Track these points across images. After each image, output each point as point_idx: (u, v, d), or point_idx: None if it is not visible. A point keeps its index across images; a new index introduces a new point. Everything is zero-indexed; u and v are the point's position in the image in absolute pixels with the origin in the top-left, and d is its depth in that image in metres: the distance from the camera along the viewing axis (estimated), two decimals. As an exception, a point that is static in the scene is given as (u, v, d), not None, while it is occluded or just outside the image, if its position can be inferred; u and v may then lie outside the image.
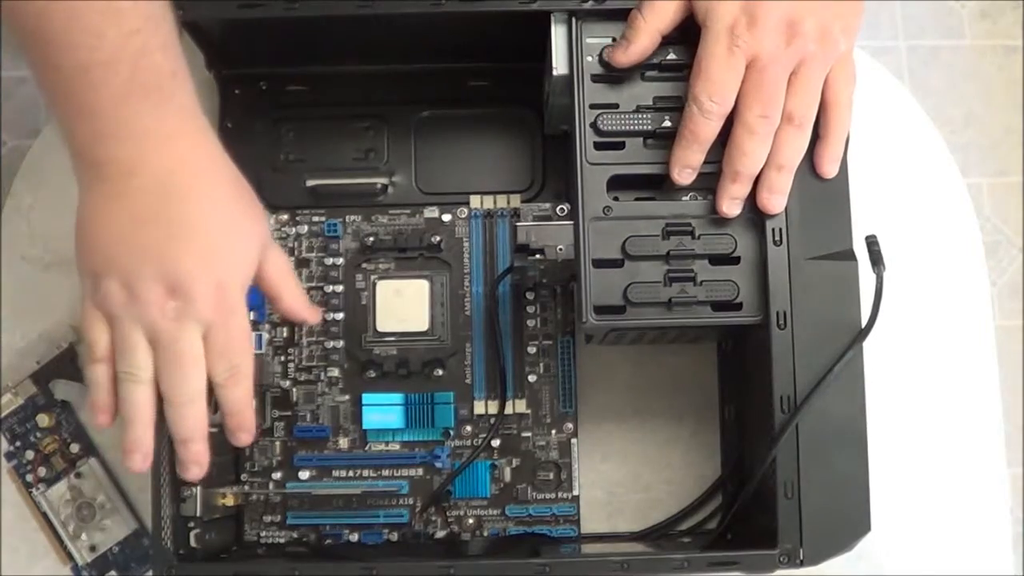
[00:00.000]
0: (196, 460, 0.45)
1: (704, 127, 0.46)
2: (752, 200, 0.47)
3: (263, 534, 0.55)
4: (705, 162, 0.47)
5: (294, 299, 0.48)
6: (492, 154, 0.57)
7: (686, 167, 0.47)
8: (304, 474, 0.55)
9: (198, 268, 0.42)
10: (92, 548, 0.56)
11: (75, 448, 0.57)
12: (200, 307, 0.43)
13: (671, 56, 0.48)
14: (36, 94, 1.23)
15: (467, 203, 0.57)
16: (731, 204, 0.47)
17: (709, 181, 0.47)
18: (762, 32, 0.45)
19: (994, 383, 0.59)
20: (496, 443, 0.55)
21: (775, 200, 0.47)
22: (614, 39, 0.48)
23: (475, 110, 0.57)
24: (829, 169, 0.48)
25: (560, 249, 0.49)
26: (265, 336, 0.56)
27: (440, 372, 0.55)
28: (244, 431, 0.47)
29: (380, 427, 0.55)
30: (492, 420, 0.55)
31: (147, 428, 0.44)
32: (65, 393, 0.57)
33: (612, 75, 0.48)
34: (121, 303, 0.43)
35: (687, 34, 0.47)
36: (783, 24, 0.45)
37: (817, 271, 0.47)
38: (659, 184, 0.48)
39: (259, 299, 0.56)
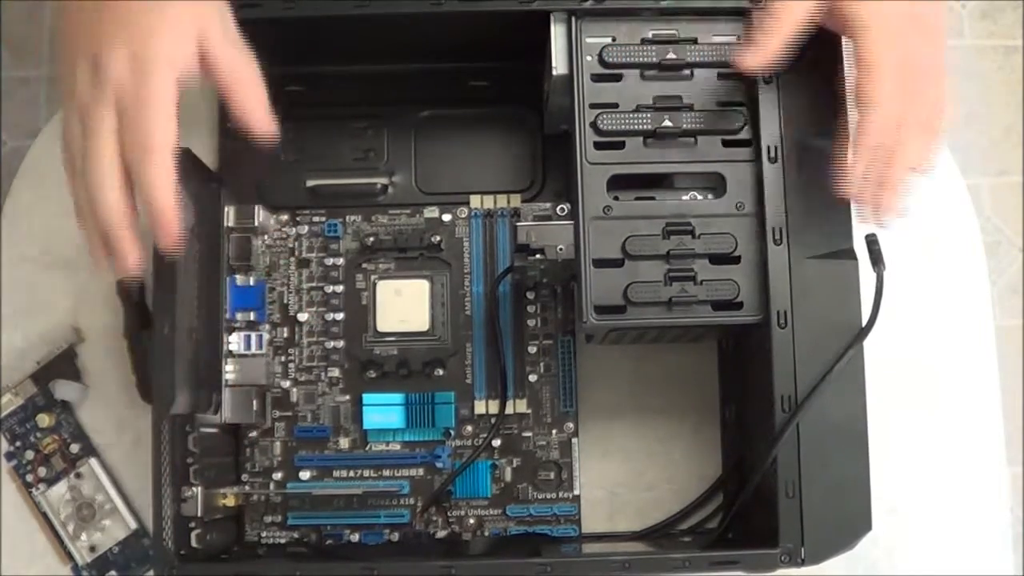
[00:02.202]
0: (121, 250, 0.43)
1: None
2: (752, 200, 0.47)
3: (264, 534, 0.55)
4: (700, 161, 0.47)
5: (246, 95, 0.44)
6: (492, 154, 0.57)
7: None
8: (305, 474, 0.55)
9: (110, 39, 0.42)
10: (92, 548, 0.56)
11: (75, 448, 0.57)
12: (111, 76, 0.42)
13: (671, 56, 0.48)
14: (36, 94, 1.24)
15: (467, 203, 0.57)
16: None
17: (710, 181, 0.47)
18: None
19: (994, 383, 0.59)
20: (497, 443, 0.55)
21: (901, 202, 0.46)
22: (613, 38, 0.48)
23: (475, 110, 0.57)
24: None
25: (560, 249, 0.49)
26: (265, 336, 0.56)
27: (440, 372, 0.55)
28: (162, 230, 0.42)
29: (381, 427, 0.55)
30: (493, 420, 0.55)
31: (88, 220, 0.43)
32: (65, 393, 0.57)
33: (612, 75, 0.48)
34: (67, 92, 0.43)
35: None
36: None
37: (818, 270, 0.48)
38: (659, 183, 0.48)
39: (259, 299, 0.56)
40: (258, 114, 0.45)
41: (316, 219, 0.57)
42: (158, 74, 0.42)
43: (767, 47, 0.45)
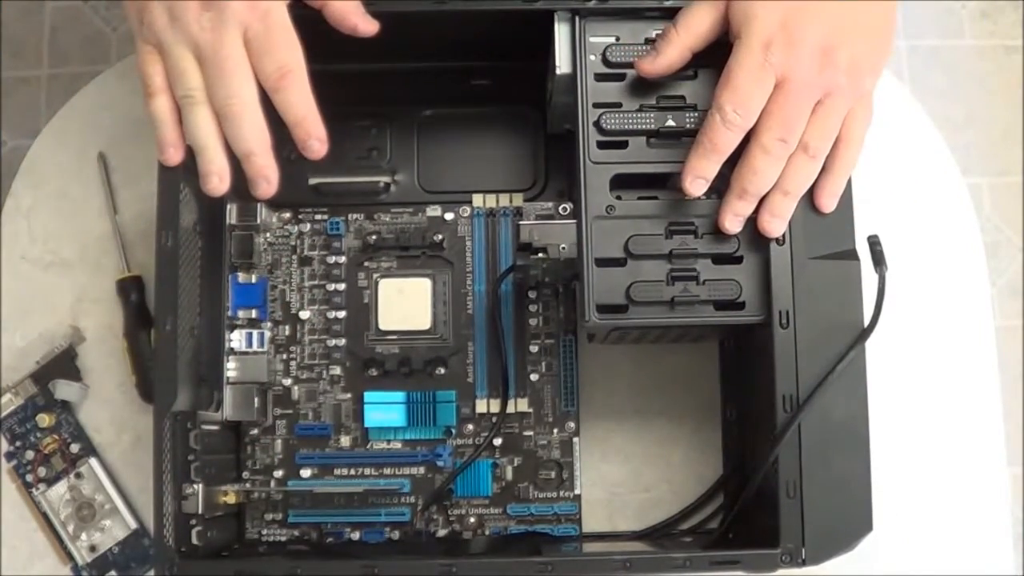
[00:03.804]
0: (263, 174, 0.47)
1: (724, 138, 0.45)
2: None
3: (264, 532, 0.55)
4: None
5: (341, 3, 0.47)
6: (495, 153, 0.57)
7: (699, 177, 0.46)
8: (306, 472, 0.55)
9: None
10: (92, 548, 0.56)
11: (75, 448, 0.57)
12: (233, 9, 0.44)
13: (674, 55, 0.48)
14: (36, 94, 1.24)
15: (469, 202, 0.57)
16: (734, 221, 0.47)
17: (714, 181, 0.47)
18: (797, 54, 0.44)
19: (994, 383, 0.59)
20: (498, 442, 0.55)
21: (775, 224, 0.47)
22: (617, 38, 0.48)
23: (478, 109, 0.57)
24: (827, 203, 0.48)
25: (563, 248, 0.50)
26: (267, 334, 0.55)
27: (442, 371, 0.55)
28: (313, 138, 0.47)
29: (382, 425, 0.55)
30: (494, 419, 0.55)
31: (216, 150, 0.46)
32: (65, 393, 0.57)
33: (615, 74, 0.48)
34: (165, 26, 0.45)
35: (702, 58, 0.47)
36: (818, 50, 0.45)
37: (820, 271, 0.48)
38: (662, 183, 0.48)
39: (260, 297, 0.56)
40: (358, 14, 0.47)
41: (318, 217, 0.57)
42: (273, 3, 0.45)
43: (666, 55, 0.46)
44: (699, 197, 0.47)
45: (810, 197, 0.48)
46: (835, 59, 0.45)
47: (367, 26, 0.47)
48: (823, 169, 0.47)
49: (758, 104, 0.45)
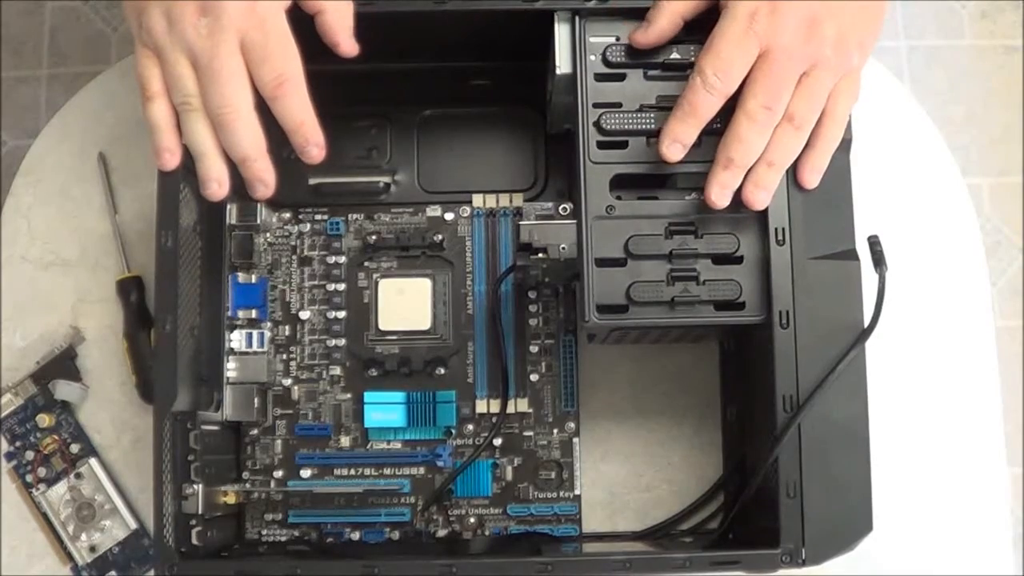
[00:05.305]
0: (259, 178, 0.47)
1: (704, 101, 0.45)
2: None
3: (264, 532, 0.55)
4: (703, 161, 0.47)
5: (335, 16, 0.47)
6: (494, 153, 0.57)
7: (676, 141, 0.46)
8: (305, 472, 0.55)
9: None
10: (92, 548, 0.56)
11: (75, 448, 0.57)
12: (230, 16, 0.44)
13: (675, 55, 0.48)
14: (36, 94, 1.24)
15: (469, 202, 0.57)
16: (720, 193, 0.46)
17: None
18: (782, 23, 0.44)
19: (994, 383, 0.59)
20: (498, 442, 0.55)
21: (759, 195, 0.46)
22: (617, 38, 0.48)
23: (478, 109, 0.57)
24: (810, 179, 0.47)
25: (563, 248, 0.49)
26: (267, 334, 0.55)
27: (442, 371, 0.55)
28: (312, 144, 0.47)
29: (382, 426, 0.55)
30: (494, 419, 0.55)
31: (214, 157, 0.46)
32: (65, 393, 0.57)
33: (615, 74, 0.48)
34: (162, 31, 0.45)
35: (694, 32, 0.47)
36: (804, 21, 0.45)
37: (820, 271, 0.48)
38: (662, 183, 0.48)
39: (260, 297, 0.56)
40: (345, 33, 0.47)
41: (318, 217, 0.57)
42: (278, 11, 0.45)
43: (657, 24, 0.47)
44: (691, 187, 0.46)
45: (793, 173, 0.47)
46: (821, 31, 0.45)
47: (348, 48, 0.48)
48: (806, 144, 0.47)
49: (740, 70, 0.45)
